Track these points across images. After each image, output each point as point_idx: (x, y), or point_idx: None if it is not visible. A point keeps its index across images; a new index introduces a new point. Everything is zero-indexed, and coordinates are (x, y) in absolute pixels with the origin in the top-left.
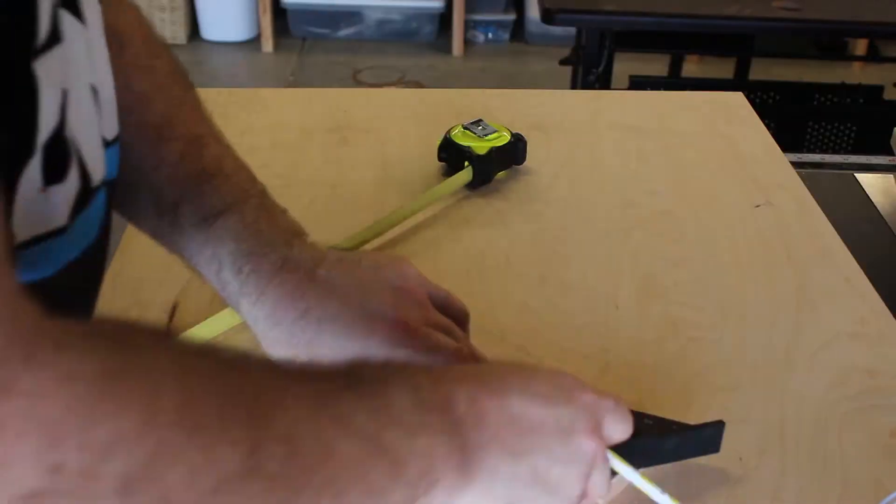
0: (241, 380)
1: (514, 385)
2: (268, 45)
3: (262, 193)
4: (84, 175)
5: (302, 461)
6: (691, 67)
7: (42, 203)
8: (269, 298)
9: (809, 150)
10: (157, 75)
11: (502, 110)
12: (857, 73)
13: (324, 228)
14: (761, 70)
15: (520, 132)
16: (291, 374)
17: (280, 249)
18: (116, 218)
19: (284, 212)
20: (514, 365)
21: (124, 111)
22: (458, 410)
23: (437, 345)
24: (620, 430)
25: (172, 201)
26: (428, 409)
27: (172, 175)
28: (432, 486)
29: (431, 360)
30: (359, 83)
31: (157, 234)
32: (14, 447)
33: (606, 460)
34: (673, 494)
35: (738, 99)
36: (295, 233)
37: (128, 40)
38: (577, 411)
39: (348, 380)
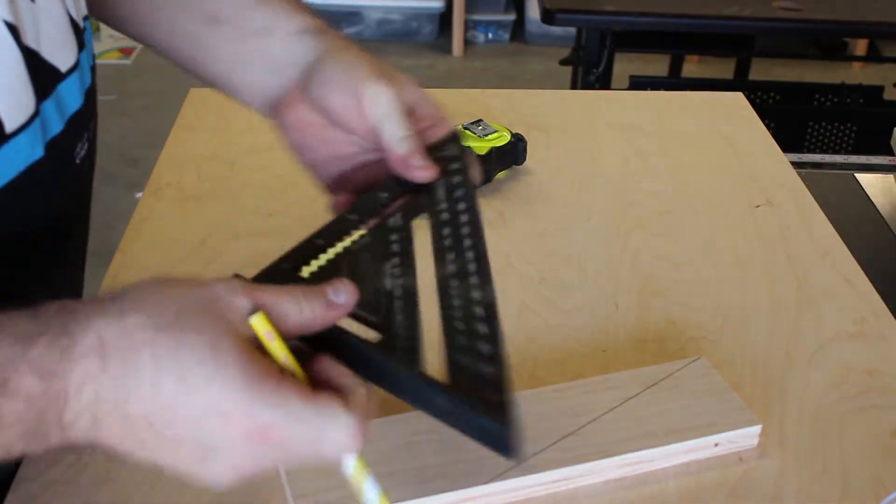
0: None
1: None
2: None
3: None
4: None
5: None
6: (691, 67)
7: None
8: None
9: (809, 150)
10: None
11: (502, 110)
12: (857, 74)
13: None
14: (761, 70)
15: (520, 132)
16: None
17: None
18: (114, 219)
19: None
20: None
21: None
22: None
23: None
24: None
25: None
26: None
27: None
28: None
29: None
30: None
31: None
32: None
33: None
34: (673, 494)
35: (738, 99)
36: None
37: None
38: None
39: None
